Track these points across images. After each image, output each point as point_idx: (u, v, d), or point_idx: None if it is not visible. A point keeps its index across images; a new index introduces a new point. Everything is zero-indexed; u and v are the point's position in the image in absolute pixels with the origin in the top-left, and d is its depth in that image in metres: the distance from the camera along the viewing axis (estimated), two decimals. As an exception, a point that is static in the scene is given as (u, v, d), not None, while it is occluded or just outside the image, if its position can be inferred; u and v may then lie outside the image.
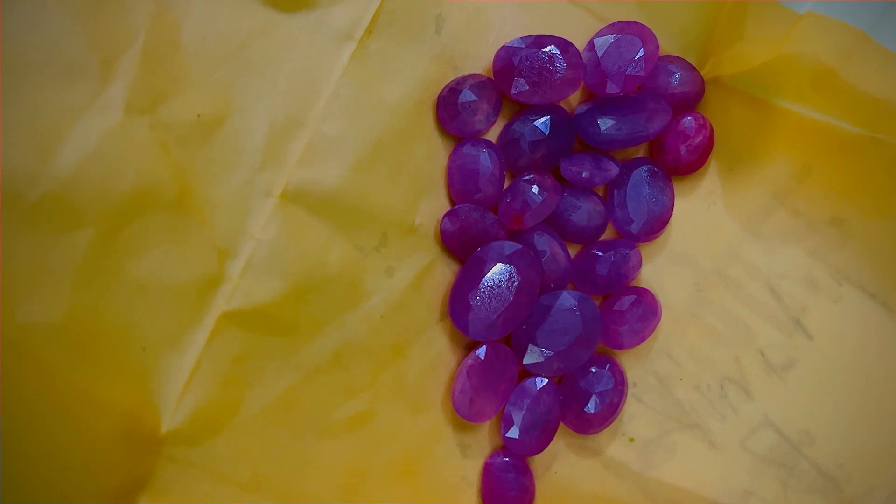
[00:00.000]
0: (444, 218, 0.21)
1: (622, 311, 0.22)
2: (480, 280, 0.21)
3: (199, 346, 0.19)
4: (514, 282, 0.21)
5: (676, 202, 0.23)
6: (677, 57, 0.23)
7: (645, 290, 0.22)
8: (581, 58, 0.22)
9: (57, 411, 0.16)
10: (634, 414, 0.22)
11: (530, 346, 0.21)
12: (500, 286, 0.21)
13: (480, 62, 0.22)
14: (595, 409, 0.21)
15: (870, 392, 0.21)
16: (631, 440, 0.22)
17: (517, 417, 0.21)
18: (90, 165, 0.18)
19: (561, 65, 0.21)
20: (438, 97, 0.21)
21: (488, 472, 0.21)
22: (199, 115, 0.19)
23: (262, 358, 0.19)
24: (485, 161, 0.21)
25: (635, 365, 0.22)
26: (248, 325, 0.19)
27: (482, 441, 0.22)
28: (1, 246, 0.17)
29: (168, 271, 0.19)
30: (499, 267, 0.21)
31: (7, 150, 0.17)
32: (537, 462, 0.22)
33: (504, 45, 0.22)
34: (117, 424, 0.18)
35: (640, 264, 0.22)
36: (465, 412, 0.21)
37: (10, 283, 0.17)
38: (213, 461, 0.19)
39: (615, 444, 0.22)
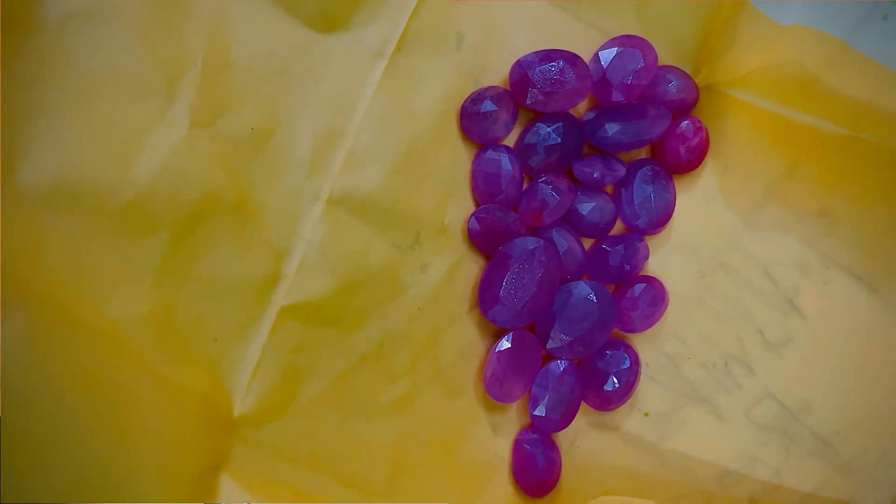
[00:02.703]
0: (471, 217, 0.23)
1: (634, 298, 0.24)
2: (506, 273, 0.23)
3: (263, 338, 0.21)
4: (536, 274, 0.23)
5: (678, 198, 0.24)
6: (674, 67, 0.24)
7: (653, 279, 0.24)
8: (588, 69, 0.24)
9: (147, 396, 0.18)
10: (648, 391, 0.24)
11: (552, 333, 0.23)
12: (523, 278, 0.23)
13: (498, 75, 0.24)
14: (613, 387, 0.23)
15: (859, 364, 0.23)
16: (646, 415, 0.24)
17: (543, 397, 0.23)
18: (162, 176, 0.19)
19: (570, 76, 0.23)
20: (461, 108, 0.23)
21: (518, 448, 0.23)
22: (252, 129, 0.21)
23: (317, 348, 0.21)
24: (506, 165, 0.23)
25: (647, 347, 0.24)
26: (304, 317, 0.21)
27: (512, 420, 0.23)
28: (90, 248, 0.19)
29: (232, 270, 0.20)
30: (522, 261, 0.23)
31: (90, 164, 0.19)
32: (562, 438, 0.23)
33: (519, 60, 0.23)
34: (197, 408, 0.19)
35: (647, 255, 0.24)
36: (496, 394, 0.23)
37: (99, 280, 0.19)
38: (276, 441, 0.20)
39: (632, 419, 0.24)
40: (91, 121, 0.19)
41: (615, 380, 0.23)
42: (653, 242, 0.25)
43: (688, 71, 0.25)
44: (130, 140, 0.19)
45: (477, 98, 0.23)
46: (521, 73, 0.23)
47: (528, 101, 0.23)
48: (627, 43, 0.24)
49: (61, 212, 0.18)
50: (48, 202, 0.18)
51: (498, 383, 0.23)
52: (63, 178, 0.18)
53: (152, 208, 0.19)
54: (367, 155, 0.22)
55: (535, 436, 0.23)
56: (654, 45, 0.24)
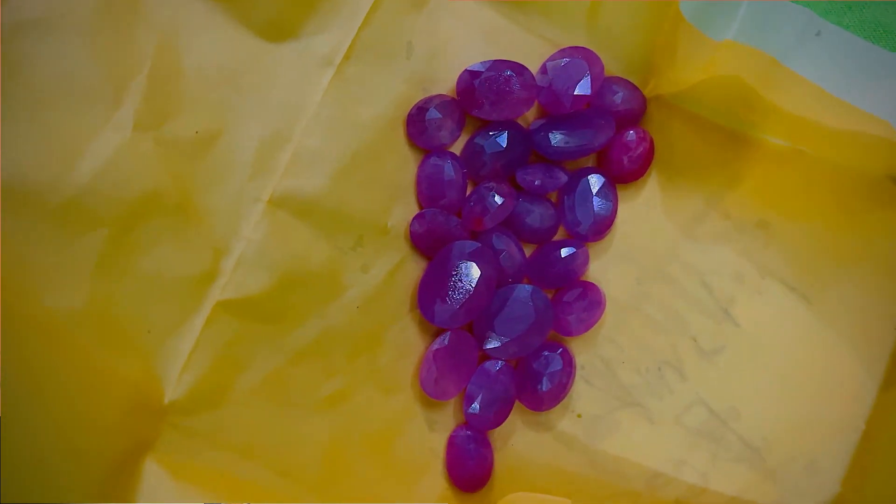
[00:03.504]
0: (413, 221, 0.24)
1: (570, 302, 0.24)
2: (445, 275, 0.23)
3: (197, 331, 0.22)
4: (474, 276, 0.23)
5: (620, 207, 0.25)
6: (622, 78, 0.25)
7: (591, 284, 0.25)
8: (534, 79, 0.24)
9: (76, 381, 0.19)
10: (583, 393, 0.24)
11: (489, 333, 0.24)
12: (462, 280, 0.23)
13: (446, 84, 0.25)
14: (546, 388, 0.24)
15: (790, 373, 0.24)
16: (579, 416, 0.24)
17: (478, 396, 0.24)
18: (104, 175, 0.21)
19: (517, 86, 0.24)
20: (408, 115, 0.24)
21: (452, 444, 0.24)
22: (196, 132, 0.22)
23: (253, 342, 0.22)
24: (449, 171, 0.24)
25: (584, 350, 0.25)
26: (240, 313, 0.22)
27: (448, 418, 0.24)
28: (30, 242, 0.20)
29: (170, 266, 0.21)
30: (461, 263, 0.23)
31: (34, 163, 0.20)
32: (497, 436, 0.24)
33: (466, 69, 0.24)
34: (126, 394, 0.20)
35: (587, 262, 0.25)
36: (431, 391, 0.23)
37: (37, 273, 0.20)
38: (209, 429, 0.21)
39: (565, 420, 0.24)
40: (37, 125, 0.20)
41: (549, 381, 0.24)
42: (594, 249, 0.25)
43: (637, 83, 0.25)
44: (74, 143, 0.20)
45: (423, 106, 0.24)
46: (468, 83, 0.24)
47: (475, 110, 0.24)
48: (574, 54, 0.24)
49: (6, 211, 0.20)
50: None
51: (433, 381, 0.23)
52: (10, 179, 0.20)
53: (92, 206, 0.20)
54: (311, 159, 0.23)
55: (468, 433, 0.24)
56: (603, 58, 0.24)
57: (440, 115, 0.24)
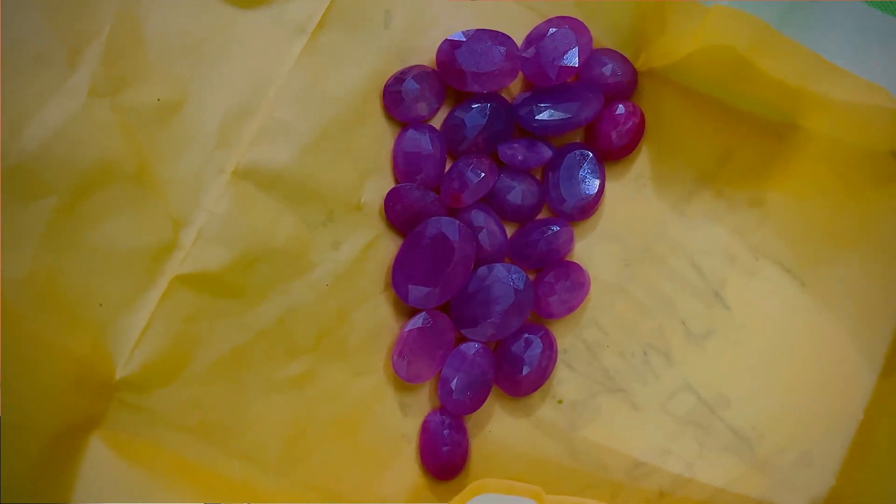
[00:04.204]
0: (387, 196, 0.23)
1: (552, 283, 0.23)
2: (420, 253, 0.22)
3: (152, 305, 0.21)
4: (450, 254, 0.22)
5: (608, 184, 0.24)
6: (612, 50, 0.24)
7: (574, 264, 0.23)
8: (518, 50, 0.23)
9: (18, 354, 0.18)
10: (564, 378, 0.23)
11: (466, 314, 0.23)
12: (437, 258, 0.22)
13: (426, 55, 0.24)
14: (526, 372, 0.23)
15: (782, 360, 0.23)
16: (559, 402, 0.23)
17: (453, 379, 0.23)
18: (55, 142, 0.20)
19: (500, 57, 0.23)
20: (384, 86, 0.23)
21: (425, 429, 0.23)
22: (158, 100, 0.21)
23: (211, 319, 0.21)
24: (426, 145, 0.23)
25: (566, 333, 0.24)
26: (199, 288, 0.21)
27: (422, 401, 0.23)
28: None
29: (125, 238, 0.21)
30: (436, 240, 0.22)
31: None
32: (473, 422, 0.23)
33: (447, 39, 0.23)
34: (73, 369, 0.20)
35: (571, 241, 0.24)
36: (403, 373, 0.22)
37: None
38: (163, 408, 0.21)
39: (545, 406, 0.23)
40: None
41: (529, 365, 0.23)
42: (579, 228, 0.24)
43: (627, 55, 0.24)
44: (23, 108, 0.20)
45: (399, 77, 0.23)
46: (449, 53, 0.23)
47: (455, 82, 0.23)
48: (561, 24, 0.23)
49: None
50: None
51: (406, 363, 0.22)
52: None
53: (42, 172, 0.20)
54: (279, 131, 0.22)
55: (443, 418, 0.23)
56: (593, 30, 0.23)
57: (418, 87, 0.23)
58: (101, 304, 0.20)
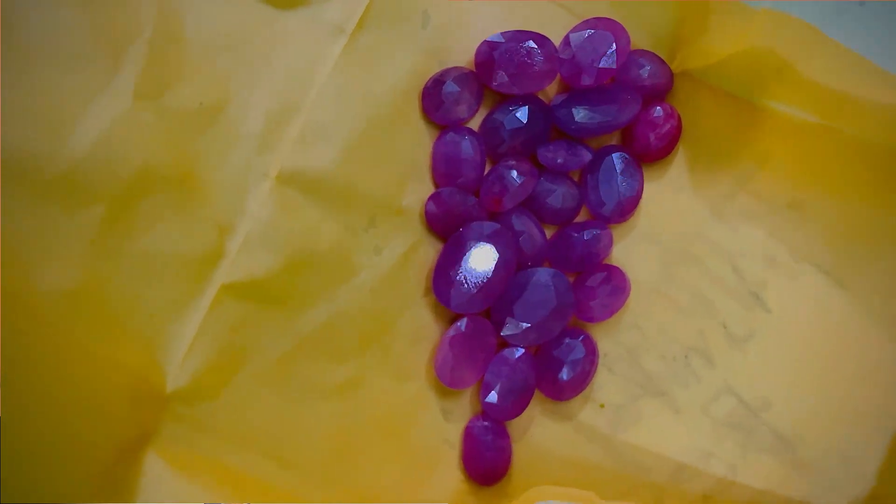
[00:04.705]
0: (428, 201, 0.23)
1: (593, 286, 0.23)
2: (461, 257, 0.22)
3: (201, 315, 0.20)
4: (492, 259, 0.22)
5: (646, 186, 0.24)
6: (648, 51, 0.24)
7: (615, 268, 0.23)
8: (556, 51, 0.23)
9: (70, 369, 0.18)
10: (605, 382, 0.23)
11: (508, 319, 0.23)
12: (479, 263, 0.22)
13: (464, 56, 0.23)
14: (568, 377, 0.23)
15: (823, 362, 0.23)
16: (601, 406, 0.23)
17: (495, 384, 0.23)
18: (101, 147, 0.19)
19: (538, 58, 0.23)
20: (423, 88, 0.23)
21: (468, 435, 0.23)
22: (201, 103, 0.21)
23: (258, 327, 0.21)
24: (466, 148, 0.23)
25: (606, 337, 0.24)
26: (246, 296, 0.21)
27: (464, 407, 0.23)
28: (19, 219, 0.18)
29: (172, 246, 0.20)
30: (478, 245, 0.22)
31: (25, 132, 0.18)
32: (515, 426, 0.23)
33: (486, 40, 0.23)
34: (126, 383, 0.19)
35: (611, 244, 0.24)
36: (446, 379, 0.22)
37: (28, 252, 0.18)
38: (213, 419, 0.20)
39: (587, 409, 0.23)
40: (27, 89, 0.19)
41: (571, 369, 0.23)
42: (618, 231, 0.24)
43: (663, 56, 0.24)
44: (68, 110, 0.19)
45: (439, 78, 0.23)
46: (488, 54, 0.23)
47: (494, 83, 0.23)
48: (599, 25, 0.23)
49: None
50: None
51: (449, 369, 0.22)
52: (-3, 149, 0.18)
53: (88, 180, 0.19)
54: (321, 133, 0.22)
55: (486, 423, 0.23)
56: (628, 29, 0.23)
57: (458, 89, 0.23)
58: (150, 316, 0.20)
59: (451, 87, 0.23)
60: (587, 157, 0.23)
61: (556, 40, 0.23)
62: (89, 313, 0.19)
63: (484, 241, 0.22)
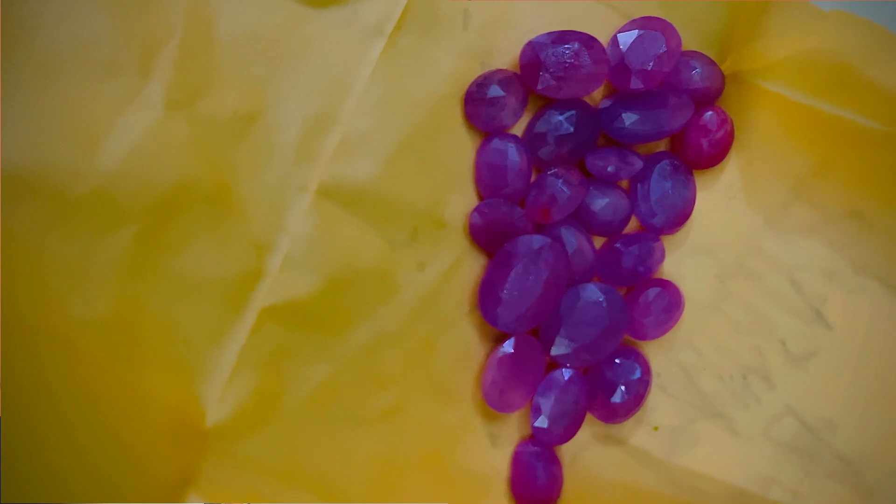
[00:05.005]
0: (472, 212, 0.21)
1: (647, 303, 0.22)
2: (509, 274, 0.21)
3: (241, 341, 0.19)
4: (542, 275, 0.21)
5: (697, 195, 0.23)
6: (698, 52, 0.23)
7: (668, 283, 0.22)
8: (605, 53, 0.22)
9: (102, 407, 0.16)
10: (658, 403, 0.22)
11: (557, 338, 0.21)
12: (528, 279, 0.21)
13: (506, 57, 0.22)
14: (621, 399, 0.21)
15: (889, 381, 0.22)
16: (655, 429, 0.22)
17: (546, 407, 0.21)
18: (132, 162, 0.18)
19: (586, 60, 0.22)
20: (466, 92, 0.22)
21: (517, 461, 0.21)
22: (235, 112, 0.19)
23: (300, 352, 0.20)
24: (513, 156, 0.22)
25: (659, 355, 0.22)
26: (287, 319, 0.19)
27: (511, 431, 0.22)
28: (49, 242, 0.17)
29: (208, 267, 0.19)
30: (527, 261, 0.21)
31: (51, 147, 0.17)
32: (564, 451, 0.22)
33: (530, 41, 0.22)
34: (163, 419, 0.18)
35: (663, 257, 0.22)
36: (495, 403, 0.21)
37: (55, 277, 0.17)
38: (255, 453, 0.19)
39: (640, 432, 0.22)
40: (53, 100, 0.17)
41: (624, 390, 0.21)
42: (668, 243, 0.23)
43: (712, 57, 0.23)
44: (97, 122, 0.18)
45: (483, 82, 0.22)
46: (533, 56, 0.22)
47: (540, 87, 0.22)
48: (649, 25, 0.22)
49: (18, 201, 0.17)
50: (4, 191, 0.17)
51: (498, 392, 0.21)
52: (20, 164, 0.17)
53: (119, 198, 0.18)
54: (360, 143, 0.20)
55: (535, 448, 0.21)
56: (677, 30, 0.22)
57: (503, 93, 0.22)
58: (186, 343, 0.18)
59: (495, 91, 0.21)
60: (639, 165, 0.22)
61: (602, 40, 0.22)
62: (121, 343, 0.18)
63: (533, 256, 0.21)
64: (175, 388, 0.18)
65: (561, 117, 0.22)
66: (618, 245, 0.22)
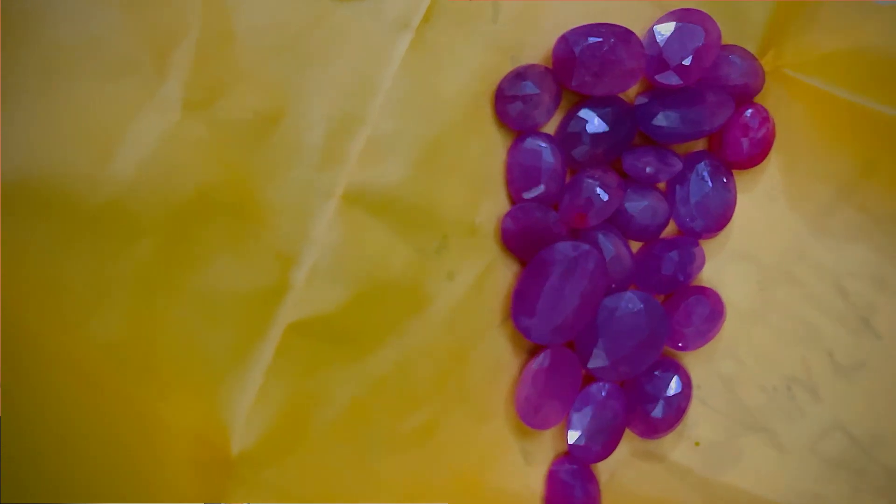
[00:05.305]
0: (505, 217, 0.20)
1: (688, 311, 0.21)
2: (544, 283, 0.20)
3: (267, 361, 0.18)
4: (579, 285, 0.20)
5: (738, 198, 0.22)
6: (738, 46, 0.22)
7: (709, 290, 0.21)
8: (643, 48, 0.21)
9: (124, 435, 0.15)
10: (700, 417, 0.21)
11: (595, 350, 0.20)
12: (564, 289, 0.20)
13: (538, 52, 0.21)
14: (662, 413, 0.20)
15: (940, 393, 0.21)
16: (697, 444, 0.21)
17: (582, 423, 0.20)
18: (149, 168, 0.16)
19: (623, 55, 0.20)
20: (497, 89, 0.20)
21: (553, 480, 0.20)
22: (255, 112, 0.18)
23: (328, 369, 0.18)
24: (547, 156, 0.20)
25: (699, 366, 0.21)
26: (314, 335, 0.18)
27: (545, 447, 0.21)
28: (62, 259, 0.16)
29: (230, 281, 0.17)
30: (564, 269, 0.20)
31: (62, 155, 0.16)
32: (601, 468, 0.21)
33: (564, 35, 0.20)
34: (186, 447, 0.16)
35: (703, 263, 0.21)
36: (531, 420, 0.20)
37: (69, 296, 0.16)
38: (283, 480, 0.18)
39: (680, 448, 0.21)
40: (63, 103, 0.16)
41: (664, 404, 0.20)
42: (707, 247, 0.22)
43: (752, 51, 0.22)
44: (109, 126, 0.16)
45: (515, 78, 0.20)
46: (567, 51, 0.20)
47: (574, 83, 0.20)
48: (687, 18, 0.21)
49: (28, 215, 0.15)
50: (12, 203, 0.15)
51: (533, 409, 0.20)
52: (30, 175, 0.15)
53: (135, 209, 0.16)
54: (387, 144, 0.19)
55: (572, 466, 0.20)
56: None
57: (537, 90, 0.20)
58: (209, 363, 0.17)
59: (528, 87, 0.20)
60: (678, 165, 0.21)
61: (638, 33, 0.21)
62: (139, 366, 0.16)
63: (570, 264, 0.20)
64: (197, 414, 0.17)
65: (596, 115, 0.21)
66: (656, 251, 0.21)
